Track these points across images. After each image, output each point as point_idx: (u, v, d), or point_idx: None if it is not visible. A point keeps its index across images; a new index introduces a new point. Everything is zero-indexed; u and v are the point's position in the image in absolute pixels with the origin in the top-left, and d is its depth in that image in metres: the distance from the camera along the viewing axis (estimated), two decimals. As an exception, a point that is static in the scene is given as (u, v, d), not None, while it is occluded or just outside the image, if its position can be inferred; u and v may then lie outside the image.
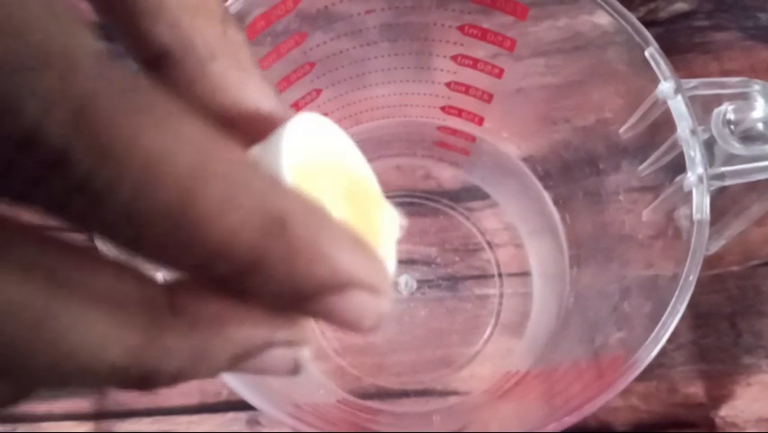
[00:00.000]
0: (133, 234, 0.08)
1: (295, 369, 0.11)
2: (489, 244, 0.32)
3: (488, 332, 0.31)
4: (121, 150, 0.08)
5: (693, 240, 0.21)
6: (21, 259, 0.09)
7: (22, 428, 0.30)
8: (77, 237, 0.10)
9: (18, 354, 0.08)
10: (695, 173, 0.22)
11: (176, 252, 0.09)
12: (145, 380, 0.09)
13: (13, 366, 0.09)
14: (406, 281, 0.32)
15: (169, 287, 0.10)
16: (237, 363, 0.10)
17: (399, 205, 0.33)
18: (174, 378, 0.10)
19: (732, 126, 0.22)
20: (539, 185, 0.31)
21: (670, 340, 0.21)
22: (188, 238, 0.08)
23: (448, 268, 0.32)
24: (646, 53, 0.23)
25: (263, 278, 0.09)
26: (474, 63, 0.27)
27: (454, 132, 0.31)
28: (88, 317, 0.09)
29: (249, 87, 0.12)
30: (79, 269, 0.09)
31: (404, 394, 0.30)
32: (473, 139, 0.31)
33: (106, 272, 0.09)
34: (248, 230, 0.08)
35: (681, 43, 0.35)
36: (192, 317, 0.09)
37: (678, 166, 0.22)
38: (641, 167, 0.25)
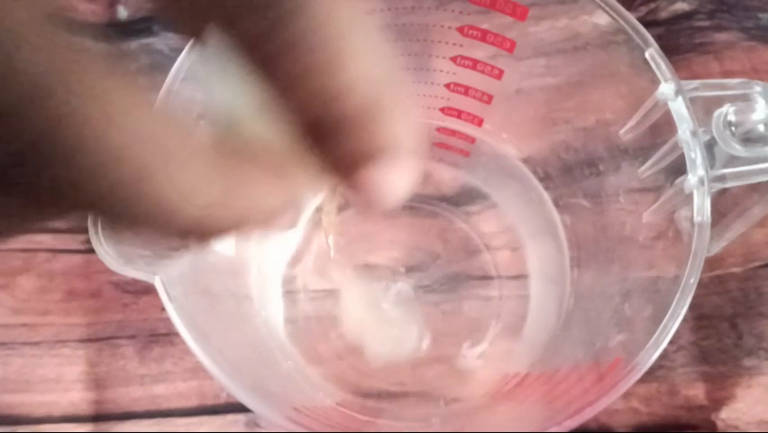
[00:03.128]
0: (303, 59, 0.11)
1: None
2: (488, 245, 0.32)
3: (488, 334, 0.31)
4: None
5: (694, 242, 0.21)
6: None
7: (21, 429, 0.30)
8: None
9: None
10: (696, 175, 0.22)
11: (326, 79, 0.11)
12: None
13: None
14: (400, 289, 0.31)
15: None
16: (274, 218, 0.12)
17: (400, 208, 0.33)
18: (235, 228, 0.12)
19: (733, 128, 0.21)
20: (539, 186, 0.31)
21: (671, 342, 0.20)
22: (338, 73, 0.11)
23: (447, 270, 0.32)
24: (647, 54, 0.23)
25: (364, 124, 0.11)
26: (474, 64, 0.27)
27: (454, 133, 0.31)
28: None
29: None
30: None
31: (403, 397, 0.30)
32: (473, 140, 0.31)
33: None
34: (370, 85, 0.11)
35: (681, 44, 0.35)
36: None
37: (679, 168, 0.22)
38: (641, 168, 0.25)
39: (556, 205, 0.31)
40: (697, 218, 0.21)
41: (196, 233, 0.11)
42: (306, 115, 0.11)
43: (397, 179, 0.12)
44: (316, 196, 0.13)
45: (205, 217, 0.11)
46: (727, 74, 0.34)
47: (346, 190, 0.13)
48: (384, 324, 0.31)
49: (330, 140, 0.11)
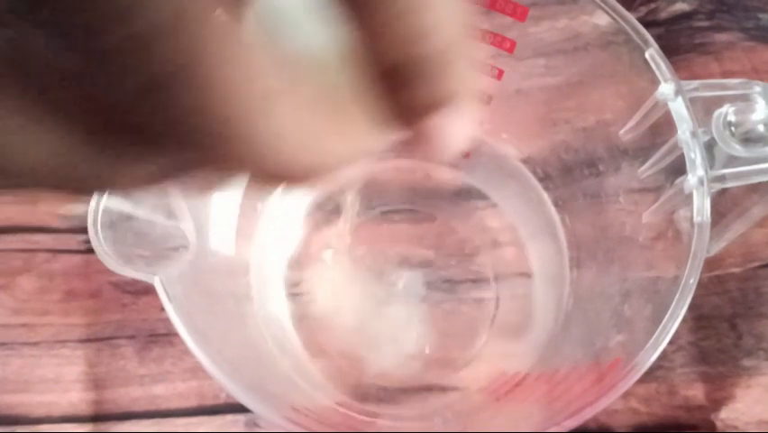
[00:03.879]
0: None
1: None
2: (488, 245, 0.32)
3: (487, 334, 0.31)
4: None
5: (694, 242, 0.21)
6: None
7: (20, 429, 0.30)
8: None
9: None
10: (695, 175, 0.22)
11: (412, 21, 0.11)
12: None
13: None
14: (406, 283, 0.31)
15: None
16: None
17: (399, 206, 0.33)
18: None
19: (733, 128, 0.21)
20: (539, 186, 0.31)
21: (670, 342, 0.20)
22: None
23: (447, 270, 0.32)
24: (647, 54, 0.23)
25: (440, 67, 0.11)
26: (473, 64, 0.27)
27: (454, 133, 0.31)
28: None
29: None
30: None
31: (402, 396, 0.30)
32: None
33: None
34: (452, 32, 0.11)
35: (681, 44, 0.35)
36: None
37: (678, 168, 0.22)
38: (641, 169, 0.25)
39: (556, 205, 0.31)
40: (696, 219, 0.21)
41: (282, 176, 0.11)
42: (387, 60, 0.11)
43: (460, 127, 0.12)
44: (378, 148, 0.13)
45: (292, 160, 0.11)
46: (727, 74, 0.34)
47: (411, 139, 0.13)
48: (386, 324, 0.31)
49: (403, 86, 0.11)
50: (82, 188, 0.11)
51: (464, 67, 0.12)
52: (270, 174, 0.11)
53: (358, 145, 0.12)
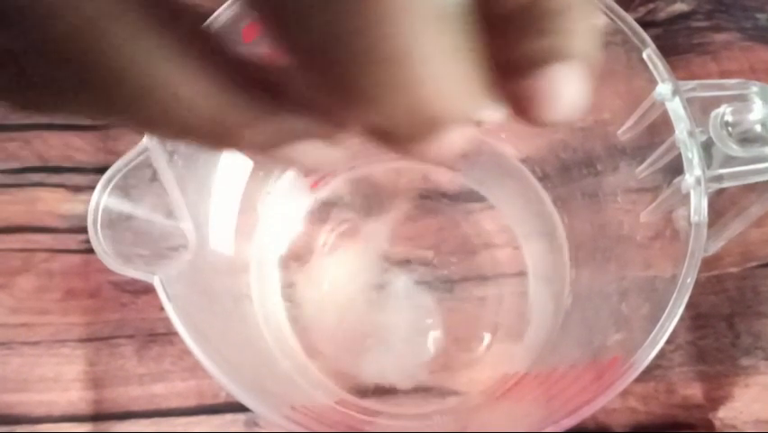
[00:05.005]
0: None
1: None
2: (487, 245, 0.32)
3: (486, 333, 0.31)
4: None
5: (691, 242, 0.21)
6: None
7: (20, 428, 0.30)
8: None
9: None
10: (693, 175, 0.22)
11: None
12: None
13: None
14: (404, 283, 0.31)
15: None
16: None
17: (400, 207, 0.33)
18: None
19: (730, 128, 0.22)
20: (538, 186, 0.31)
21: (668, 341, 0.21)
22: None
23: (446, 269, 0.32)
24: (644, 55, 0.23)
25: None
26: (472, 64, 0.27)
27: (453, 133, 0.31)
28: None
29: None
30: None
31: (402, 396, 0.30)
32: (471, 140, 0.31)
33: None
34: None
35: (679, 44, 0.35)
36: None
37: (676, 168, 0.22)
38: (639, 168, 0.25)
39: (554, 204, 0.31)
40: (694, 218, 0.21)
41: (422, 126, 0.11)
42: (494, 8, 0.10)
43: (570, 88, 0.11)
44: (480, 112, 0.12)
45: (443, 107, 0.10)
46: (725, 74, 0.34)
47: (510, 102, 0.11)
48: (384, 324, 0.31)
49: (506, 36, 0.10)
50: (229, 141, 0.12)
51: (576, 17, 0.10)
52: (410, 123, 0.10)
53: (476, 104, 0.11)
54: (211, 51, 0.11)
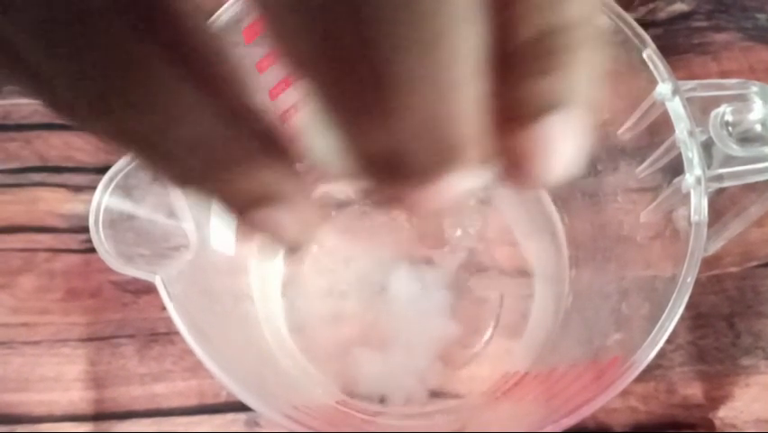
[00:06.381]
0: None
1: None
2: (487, 244, 0.32)
3: (486, 333, 0.31)
4: None
5: (691, 241, 0.21)
6: None
7: (21, 428, 0.30)
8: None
9: None
10: (693, 175, 0.22)
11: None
12: None
13: None
14: (405, 283, 0.32)
15: None
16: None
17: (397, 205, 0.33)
18: None
19: (730, 128, 0.22)
20: (538, 186, 0.31)
21: (668, 341, 0.21)
22: None
23: (445, 269, 0.32)
24: (644, 55, 0.23)
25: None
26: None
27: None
28: None
29: None
30: None
31: (402, 395, 0.30)
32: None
33: None
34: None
35: (679, 44, 0.35)
36: None
37: (676, 167, 0.22)
38: (639, 168, 0.25)
39: (555, 204, 0.31)
40: (694, 218, 0.21)
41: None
42: (513, 37, 0.09)
43: (569, 142, 0.10)
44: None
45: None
46: (725, 74, 0.34)
47: (501, 161, 0.10)
48: (383, 323, 0.31)
49: (509, 77, 0.09)
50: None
51: (593, 55, 0.10)
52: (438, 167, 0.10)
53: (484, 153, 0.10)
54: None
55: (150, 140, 0.10)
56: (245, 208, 0.11)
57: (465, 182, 0.10)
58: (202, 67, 0.10)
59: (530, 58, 0.09)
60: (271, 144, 0.11)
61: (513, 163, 0.10)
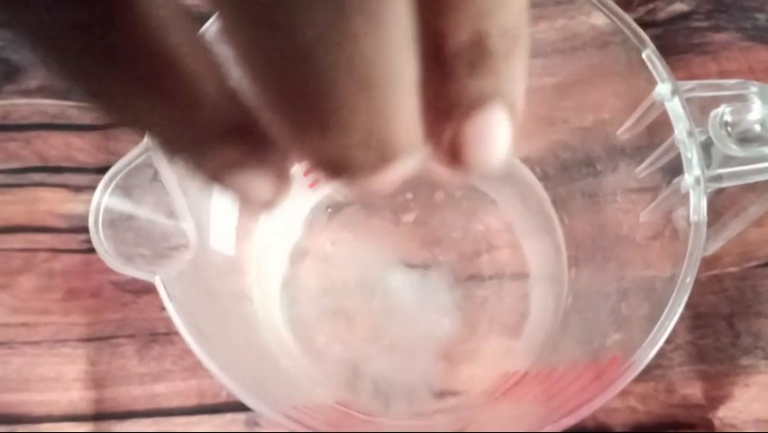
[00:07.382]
0: None
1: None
2: (486, 244, 0.32)
3: (486, 333, 0.31)
4: None
5: (690, 241, 0.21)
6: None
7: (20, 428, 0.30)
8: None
9: None
10: (692, 175, 0.22)
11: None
12: None
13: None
14: (405, 283, 0.32)
15: None
16: None
17: (399, 206, 0.33)
18: None
19: (729, 128, 0.22)
20: (538, 185, 0.32)
21: (668, 341, 0.21)
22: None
23: (445, 269, 0.32)
24: (643, 55, 0.23)
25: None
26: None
27: (453, 133, 0.31)
28: None
29: None
30: None
31: (402, 395, 0.30)
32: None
33: None
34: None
35: (679, 44, 0.35)
36: None
37: (675, 167, 0.22)
38: (639, 168, 0.25)
39: (554, 204, 0.31)
40: (693, 218, 0.22)
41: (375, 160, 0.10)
42: (450, 39, 0.10)
43: (495, 137, 0.11)
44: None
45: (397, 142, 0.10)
46: (725, 74, 0.34)
47: (432, 151, 0.11)
48: (382, 323, 0.31)
49: (443, 74, 0.10)
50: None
51: (519, 58, 0.10)
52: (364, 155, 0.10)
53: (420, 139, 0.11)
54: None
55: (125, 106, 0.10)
56: (216, 174, 0.12)
57: (407, 164, 0.11)
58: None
59: (464, 60, 0.10)
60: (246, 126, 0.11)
61: (448, 151, 0.11)
